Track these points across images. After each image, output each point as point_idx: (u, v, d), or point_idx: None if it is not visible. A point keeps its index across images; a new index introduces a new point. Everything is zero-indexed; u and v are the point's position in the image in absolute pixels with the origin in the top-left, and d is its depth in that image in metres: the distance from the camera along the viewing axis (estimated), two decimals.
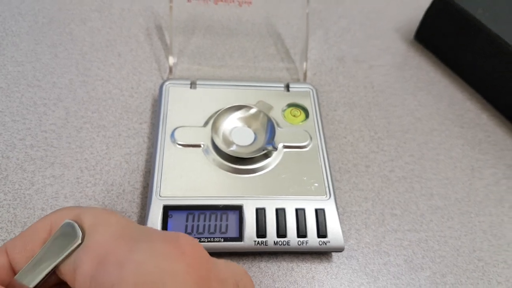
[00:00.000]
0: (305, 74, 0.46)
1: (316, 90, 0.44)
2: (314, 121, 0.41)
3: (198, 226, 0.34)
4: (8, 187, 0.37)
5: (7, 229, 0.35)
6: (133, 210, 0.37)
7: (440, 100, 0.48)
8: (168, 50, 0.48)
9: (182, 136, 0.38)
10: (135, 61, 0.47)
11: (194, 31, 0.50)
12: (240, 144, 0.38)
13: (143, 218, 0.36)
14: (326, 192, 0.36)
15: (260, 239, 0.34)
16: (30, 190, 0.37)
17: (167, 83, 0.42)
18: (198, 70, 0.47)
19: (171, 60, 0.45)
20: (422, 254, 0.37)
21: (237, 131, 0.39)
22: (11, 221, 0.35)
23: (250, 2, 0.47)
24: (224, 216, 0.34)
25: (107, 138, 0.40)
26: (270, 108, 0.41)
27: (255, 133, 0.39)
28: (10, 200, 0.36)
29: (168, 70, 0.46)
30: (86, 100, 0.43)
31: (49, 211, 0.36)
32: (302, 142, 0.39)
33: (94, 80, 0.45)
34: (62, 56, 0.46)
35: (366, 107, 0.47)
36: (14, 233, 0.34)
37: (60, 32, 0.48)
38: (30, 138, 0.40)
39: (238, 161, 0.37)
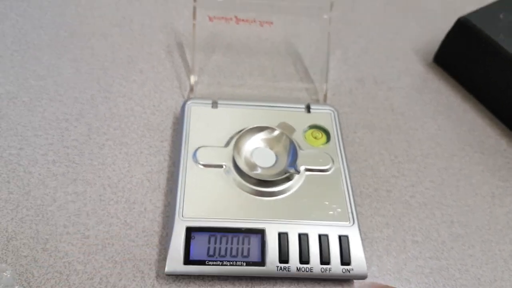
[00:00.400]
0: (325, 95, 0.46)
1: (338, 111, 0.44)
2: (335, 144, 0.41)
3: (220, 249, 0.34)
4: (31, 203, 0.37)
5: (29, 245, 0.34)
6: (155, 229, 0.37)
7: (460, 125, 0.48)
8: (188, 68, 0.48)
9: (204, 156, 0.38)
10: (157, 79, 0.47)
11: (215, 50, 0.51)
12: (261, 165, 0.38)
13: (164, 237, 0.36)
14: (349, 218, 0.36)
15: (282, 265, 0.33)
16: (52, 206, 0.37)
17: (189, 102, 0.42)
18: (218, 89, 0.47)
19: (193, 79, 0.45)
20: (443, 282, 0.37)
21: (259, 152, 0.39)
22: (33, 237, 0.35)
23: (272, 23, 0.47)
24: (246, 240, 0.34)
25: (129, 155, 0.41)
26: (293, 130, 0.41)
27: (276, 155, 0.39)
28: (32, 216, 0.36)
29: (189, 89, 0.46)
30: (108, 116, 0.43)
31: (71, 229, 0.36)
32: (324, 166, 0.39)
33: (116, 96, 0.45)
34: (84, 71, 0.47)
35: (386, 130, 0.46)
36: (36, 250, 0.34)
37: (81, 46, 0.49)
38: (52, 153, 0.40)
39: (259, 184, 0.37)
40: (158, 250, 0.36)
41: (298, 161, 0.38)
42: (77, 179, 0.38)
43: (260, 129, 0.40)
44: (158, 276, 0.34)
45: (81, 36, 0.50)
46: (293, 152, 0.39)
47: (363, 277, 0.34)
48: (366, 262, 0.35)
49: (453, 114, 0.49)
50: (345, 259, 0.34)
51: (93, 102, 0.44)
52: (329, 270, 0.34)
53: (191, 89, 0.45)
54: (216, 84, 0.47)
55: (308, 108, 0.43)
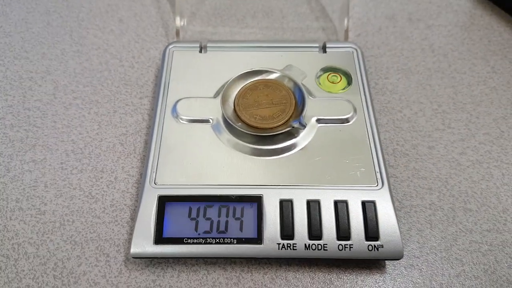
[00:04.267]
0: (346, 33, 0.37)
1: (361, 50, 0.34)
2: (359, 89, 0.32)
3: (204, 223, 0.26)
4: None
5: None
6: (126, 202, 0.29)
7: None
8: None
9: (186, 110, 0.30)
10: (139, 27, 0.39)
11: None
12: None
13: (136, 212, 0.28)
14: (376, 179, 0.27)
15: (285, 242, 0.25)
16: (4, 177, 0.30)
17: (171, 46, 0.34)
18: (213, 34, 0.38)
19: (178, 21, 0.37)
20: (508, 262, 0.27)
21: None
22: None
23: None
24: (238, 210, 0.26)
25: (99, 115, 0.33)
26: (303, 75, 0.32)
27: None
28: None
29: (175, 34, 0.38)
30: (79, 72, 0.36)
31: (24, 203, 0.29)
32: (343, 115, 0.30)
33: (89, 49, 0.37)
34: (55, 24, 0.39)
35: (425, 74, 0.37)
36: None
37: None
38: (11, 116, 0.33)
39: (257, 140, 0.29)
40: (128, 228, 0.28)
41: (308, 111, 0.29)
42: (37, 145, 0.31)
43: (255, 73, 0.31)
44: (127, 260, 0.27)
45: None
46: (299, 99, 0.30)
47: (397, 256, 0.25)
48: (402, 237, 0.26)
49: (510, 53, 0.38)
50: (372, 232, 0.25)
51: (62, 57, 0.37)
52: (350, 247, 0.25)
53: (177, 34, 0.37)
54: (210, 28, 0.39)
55: (323, 48, 0.34)
